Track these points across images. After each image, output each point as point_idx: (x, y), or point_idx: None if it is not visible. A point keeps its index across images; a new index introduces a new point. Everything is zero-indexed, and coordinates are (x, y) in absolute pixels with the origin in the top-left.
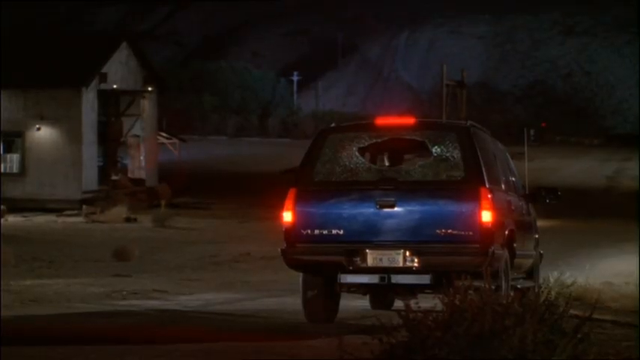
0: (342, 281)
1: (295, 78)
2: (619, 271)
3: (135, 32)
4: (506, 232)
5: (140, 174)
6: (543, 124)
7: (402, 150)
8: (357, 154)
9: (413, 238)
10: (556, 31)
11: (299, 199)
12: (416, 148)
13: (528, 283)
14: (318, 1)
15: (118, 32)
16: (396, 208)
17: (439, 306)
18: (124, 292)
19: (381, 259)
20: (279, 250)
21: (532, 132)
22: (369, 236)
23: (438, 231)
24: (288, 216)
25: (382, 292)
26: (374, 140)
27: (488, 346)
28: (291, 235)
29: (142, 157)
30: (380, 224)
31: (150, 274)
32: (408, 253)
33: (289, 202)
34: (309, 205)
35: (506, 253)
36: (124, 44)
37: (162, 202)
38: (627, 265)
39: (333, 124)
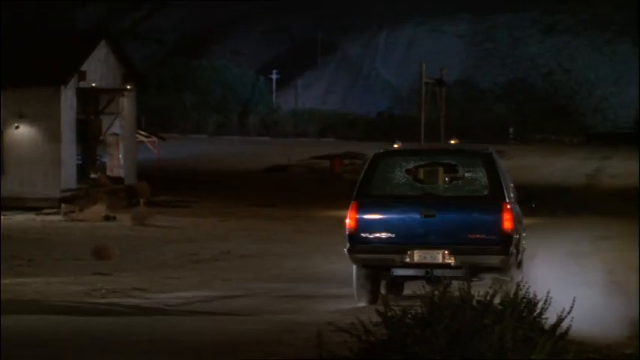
0: (394, 274)
1: (275, 76)
2: (598, 268)
3: (115, 30)
4: (517, 236)
5: (119, 172)
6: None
7: (440, 170)
8: (404, 173)
9: (450, 241)
10: (536, 30)
11: (360, 210)
12: (451, 170)
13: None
14: (298, 0)
15: (98, 29)
16: (436, 217)
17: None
18: (104, 291)
19: (425, 257)
20: (345, 249)
21: (511, 130)
22: (416, 239)
23: (469, 235)
24: (351, 223)
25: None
26: (418, 163)
27: (467, 343)
28: (353, 238)
29: (121, 156)
30: (424, 230)
31: (130, 273)
32: (446, 253)
33: (352, 212)
34: (367, 214)
35: (516, 252)
36: (103, 42)
37: (142, 201)
38: (603, 262)
39: (382, 149)
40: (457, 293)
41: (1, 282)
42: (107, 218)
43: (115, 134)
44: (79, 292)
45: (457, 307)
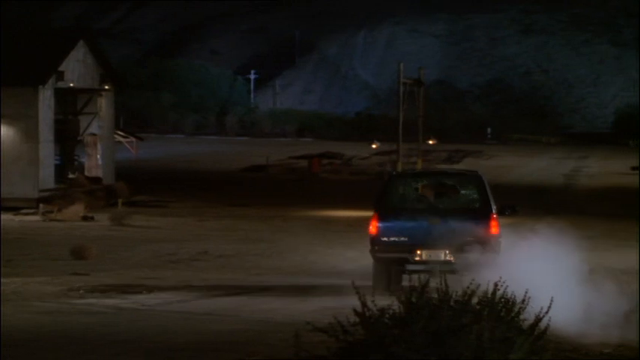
0: (408, 269)
1: (253, 76)
2: (577, 269)
3: (93, 30)
4: (500, 239)
5: (97, 172)
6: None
7: (442, 188)
8: (414, 190)
9: (450, 243)
10: (514, 30)
11: (380, 219)
12: (450, 188)
13: None
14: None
15: (76, 29)
16: (439, 225)
17: (396, 304)
18: (81, 291)
19: (430, 256)
20: (369, 250)
21: (489, 130)
22: (423, 241)
23: (465, 239)
24: (373, 229)
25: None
26: (424, 182)
27: (445, 343)
28: (375, 240)
29: (99, 156)
30: (430, 234)
31: (108, 273)
32: (447, 252)
33: (374, 220)
34: (386, 222)
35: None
36: (81, 42)
37: (120, 201)
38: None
39: (395, 172)
40: (435, 294)
41: (1, 282)
42: (85, 218)
43: (93, 134)
44: (57, 292)
45: (435, 307)
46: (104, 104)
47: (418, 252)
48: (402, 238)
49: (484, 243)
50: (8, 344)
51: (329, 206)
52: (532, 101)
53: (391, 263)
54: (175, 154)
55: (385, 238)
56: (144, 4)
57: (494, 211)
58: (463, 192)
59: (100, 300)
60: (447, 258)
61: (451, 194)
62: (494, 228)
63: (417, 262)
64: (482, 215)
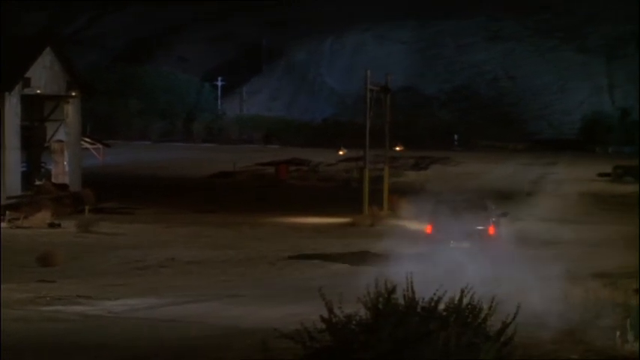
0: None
1: (220, 83)
2: (544, 274)
3: (60, 36)
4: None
5: (64, 179)
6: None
7: (465, 206)
8: (448, 206)
9: (469, 236)
10: (481, 37)
11: (434, 222)
12: (470, 205)
13: None
14: (244, 6)
15: (43, 36)
16: (464, 226)
17: (362, 311)
18: (48, 298)
19: (460, 243)
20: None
21: (456, 137)
22: (454, 235)
23: (479, 235)
24: (429, 229)
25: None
26: (452, 203)
27: (412, 349)
28: (431, 233)
29: (65, 163)
30: (459, 230)
31: (75, 280)
32: (468, 240)
33: (429, 225)
34: (436, 224)
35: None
36: (48, 49)
37: (87, 208)
38: (548, 269)
39: (438, 198)
40: (402, 300)
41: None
42: (52, 225)
43: (60, 141)
44: (24, 300)
45: (402, 314)
46: (71, 111)
47: (452, 242)
48: (444, 232)
49: (487, 236)
50: None
51: (296, 213)
52: (499, 108)
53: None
54: (142, 160)
55: (435, 231)
56: (112, 11)
57: (492, 220)
58: (477, 208)
59: (68, 307)
60: (468, 245)
61: (471, 208)
62: (492, 229)
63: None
64: (487, 221)
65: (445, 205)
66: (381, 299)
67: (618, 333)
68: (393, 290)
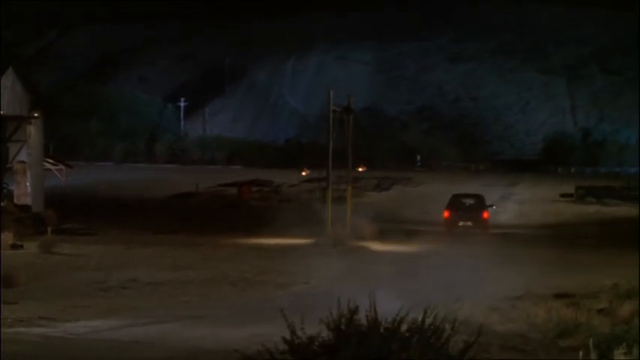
0: (458, 225)
1: (182, 103)
2: (505, 294)
3: (22, 57)
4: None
5: (26, 200)
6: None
7: (467, 200)
8: (458, 200)
9: (472, 219)
10: (442, 57)
11: (449, 210)
12: (472, 200)
13: None
14: (206, 26)
15: (4, 57)
16: (468, 213)
17: (325, 332)
18: (10, 320)
19: (465, 223)
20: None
21: (418, 157)
22: (462, 218)
23: (478, 218)
24: (446, 214)
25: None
26: (460, 199)
27: None
28: (447, 218)
29: (28, 183)
30: (464, 216)
31: (36, 301)
32: (471, 221)
33: (447, 211)
34: (450, 211)
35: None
36: (9, 69)
37: (49, 229)
38: (510, 288)
39: (455, 193)
40: (364, 320)
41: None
42: (14, 246)
43: (22, 162)
44: None
45: (364, 334)
46: (33, 131)
47: (460, 223)
48: (455, 217)
49: (481, 220)
50: None
51: (258, 233)
52: (461, 128)
53: (451, 224)
54: (104, 181)
55: (450, 217)
56: (74, 31)
57: (486, 209)
58: (475, 201)
59: (29, 329)
60: (470, 224)
61: (473, 202)
62: (485, 213)
63: (460, 226)
64: (482, 210)
65: (455, 199)
66: (343, 320)
67: None
68: (355, 311)
